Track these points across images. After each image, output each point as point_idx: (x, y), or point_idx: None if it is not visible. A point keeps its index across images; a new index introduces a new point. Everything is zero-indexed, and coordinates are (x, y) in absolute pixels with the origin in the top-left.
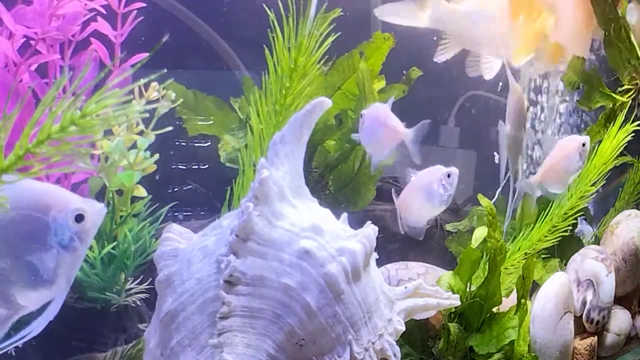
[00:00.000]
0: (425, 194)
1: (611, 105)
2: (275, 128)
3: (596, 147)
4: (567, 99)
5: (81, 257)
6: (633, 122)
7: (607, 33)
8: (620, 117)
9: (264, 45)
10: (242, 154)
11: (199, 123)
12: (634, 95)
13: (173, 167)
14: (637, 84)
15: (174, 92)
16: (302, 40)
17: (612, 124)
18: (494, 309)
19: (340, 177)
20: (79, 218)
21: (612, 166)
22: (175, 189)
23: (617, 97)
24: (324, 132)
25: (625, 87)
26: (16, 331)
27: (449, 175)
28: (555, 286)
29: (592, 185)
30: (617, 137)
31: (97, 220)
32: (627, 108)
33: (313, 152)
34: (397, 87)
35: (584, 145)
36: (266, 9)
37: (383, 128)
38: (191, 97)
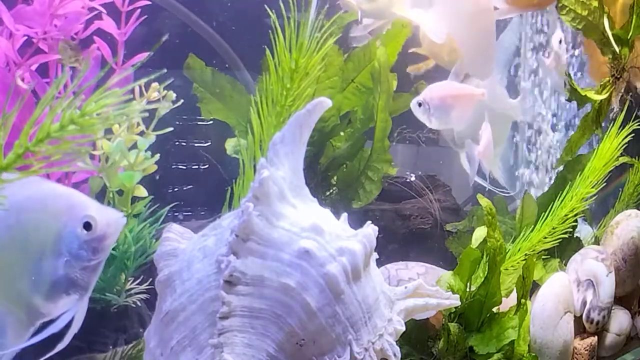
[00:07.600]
0: None
1: (611, 57)
2: (276, 128)
3: (595, 150)
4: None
5: (95, 269)
6: (634, 120)
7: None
8: (620, 118)
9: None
10: (243, 154)
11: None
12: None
13: (173, 167)
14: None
15: (194, 67)
16: (302, 40)
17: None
18: (494, 309)
19: (345, 172)
20: (87, 226)
21: (612, 167)
22: (176, 189)
23: (617, 49)
24: (334, 128)
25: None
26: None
27: None
28: (555, 286)
29: (592, 187)
30: (617, 138)
31: (109, 230)
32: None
33: (321, 147)
34: (405, 96)
35: None
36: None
37: None
38: (209, 75)
